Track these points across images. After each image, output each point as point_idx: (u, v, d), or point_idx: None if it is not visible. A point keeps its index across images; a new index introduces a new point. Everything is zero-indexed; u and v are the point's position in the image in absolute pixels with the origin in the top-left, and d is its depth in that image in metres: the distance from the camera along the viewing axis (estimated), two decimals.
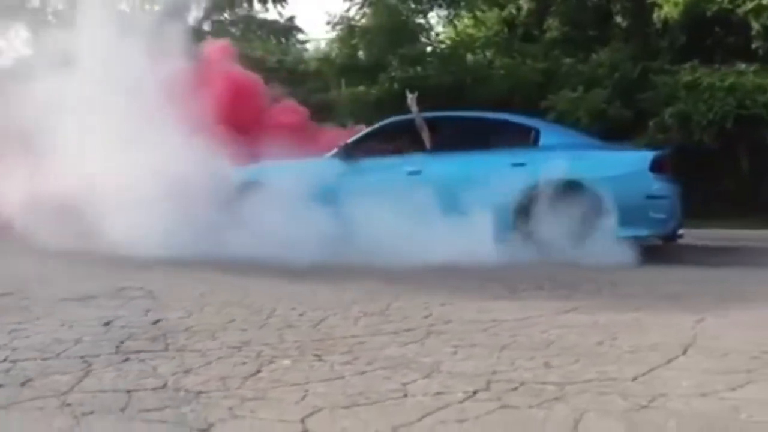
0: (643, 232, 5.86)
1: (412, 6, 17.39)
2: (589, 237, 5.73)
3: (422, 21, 17.33)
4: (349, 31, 16.99)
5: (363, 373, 2.29)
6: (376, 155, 6.78)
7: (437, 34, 17.66)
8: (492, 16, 19.33)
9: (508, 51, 16.61)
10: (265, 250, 5.41)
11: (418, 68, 15.73)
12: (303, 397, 2.03)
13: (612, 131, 13.79)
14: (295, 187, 6.26)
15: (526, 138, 6.36)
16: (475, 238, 5.75)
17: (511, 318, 3.26)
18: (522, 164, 6.11)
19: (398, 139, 6.90)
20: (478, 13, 19.33)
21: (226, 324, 3.10)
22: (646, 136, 13.19)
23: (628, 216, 5.77)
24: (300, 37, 19.89)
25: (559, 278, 4.74)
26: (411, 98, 6.90)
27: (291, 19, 17.85)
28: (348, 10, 16.67)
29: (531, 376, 2.23)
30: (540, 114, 14.03)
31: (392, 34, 16.06)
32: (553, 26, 18.12)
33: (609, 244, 5.67)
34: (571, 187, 5.84)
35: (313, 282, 4.49)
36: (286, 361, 2.43)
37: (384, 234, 5.67)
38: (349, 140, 6.93)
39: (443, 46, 16.62)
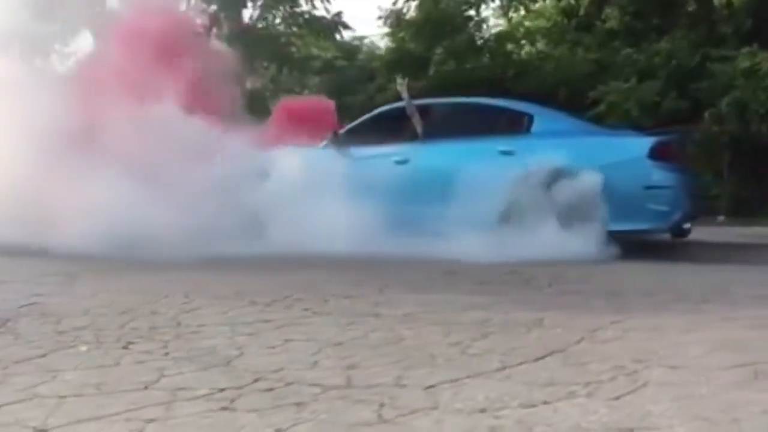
0: (641, 225, 5.33)
1: None
2: (581, 230, 5.26)
3: (471, 13, 16.77)
4: (396, 24, 16.75)
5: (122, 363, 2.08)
6: (370, 144, 6.52)
7: (486, 26, 17.07)
8: (550, 6, 18.65)
9: (560, 42, 15.89)
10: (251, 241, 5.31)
11: (467, 61, 15.30)
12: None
13: (666, 123, 13.00)
14: (287, 175, 6.13)
15: (518, 125, 5.93)
16: (459, 229, 5.40)
17: (394, 313, 2.93)
18: (510, 152, 5.70)
19: (393, 128, 6.60)
20: (536, 4, 18.72)
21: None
22: (701, 128, 12.30)
23: (623, 208, 5.26)
24: (351, 33, 19.80)
25: (519, 272, 4.33)
26: (401, 85, 6.60)
27: (338, 14, 17.76)
28: (395, 2, 16.40)
29: (313, 376, 1.94)
30: (588, 107, 13.48)
31: (438, 27, 15.69)
32: (611, 16, 17.24)
33: (602, 237, 5.19)
34: (561, 176, 5.38)
35: (258, 272, 4.31)
36: (84, 347, 2.24)
37: (365, 224, 5.43)
38: (344, 129, 6.71)
39: (488, 37, 15.98)
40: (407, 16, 16.59)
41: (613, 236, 5.21)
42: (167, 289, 3.52)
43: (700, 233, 7.38)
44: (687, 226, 5.82)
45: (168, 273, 4.17)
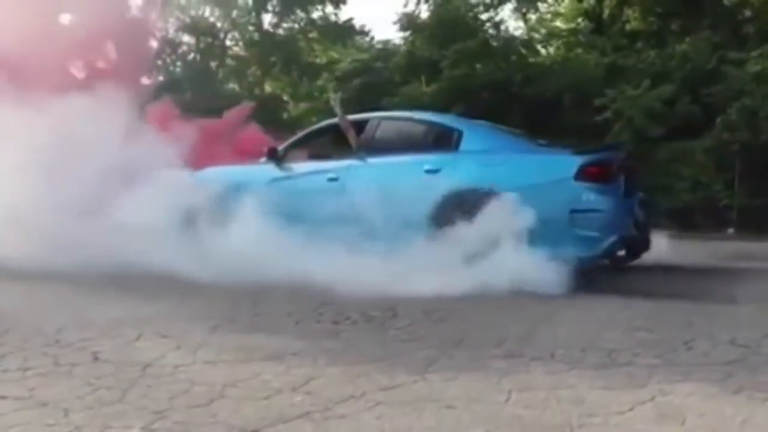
0: (567, 252, 4.91)
1: (475, 0, 16.52)
2: (504, 256, 4.89)
3: (484, 16, 16.35)
4: (408, 28, 16.48)
5: None
6: (309, 160, 6.31)
7: (498, 29, 16.54)
8: (571, 8, 18.03)
9: (575, 45, 15.31)
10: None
11: (476, 65, 14.90)
12: None
13: (677, 129, 12.34)
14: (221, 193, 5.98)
15: (448, 141, 5.58)
16: (381, 253, 5.10)
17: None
18: (436, 171, 5.37)
19: (331, 143, 6.36)
20: (550, 6, 18.19)
21: None
22: (712, 135, 11.60)
23: (548, 233, 4.86)
24: (361, 37, 19.61)
25: (393, 308, 3.98)
26: (334, 99, 6.35)
27: (349, 20, 17.60)
28: (406, 5, 16.14)
29: None
30: (595, 113, 12.91)
31: (449, 30, 15.34)
32: (632, 17, 16.51)
33: (525, 265, 4.81)
34: (482, 198, 5.02)
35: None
36: None
37: (282, 246, 5.20)
38: (284, 144, 6.50)
39: (500, 41, 15.49)
40: (419, 20, 16.30)
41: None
42: None
43: (678, 251, 6.89)
44: (621, 252, 5.34)
45: None
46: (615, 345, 3.05)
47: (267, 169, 6.28)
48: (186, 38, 19.37)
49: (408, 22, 16.21)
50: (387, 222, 5.31)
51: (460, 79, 14.42)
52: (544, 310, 3.98)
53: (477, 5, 16.91)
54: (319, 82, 20.31)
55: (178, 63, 19.36)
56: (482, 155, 5.28)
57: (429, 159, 5.46)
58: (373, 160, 5.77)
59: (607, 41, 15.27)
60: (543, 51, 16.05)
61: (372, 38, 19.60)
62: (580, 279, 4.67)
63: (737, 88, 11.19)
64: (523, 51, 15.30)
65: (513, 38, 15.81)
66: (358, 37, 19.52)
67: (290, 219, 5.40)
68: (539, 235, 4.83)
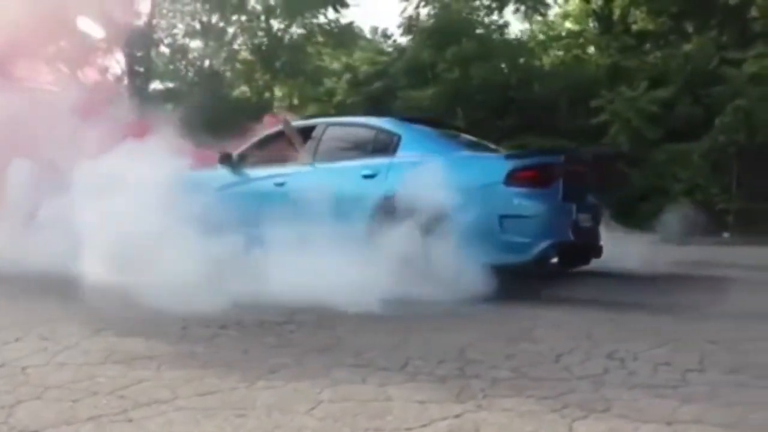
0: (496, 258, 4.81)
1: (477, 3, 16.40)
2: (431, 262, 4.82)
3: (488, 19, 16.20)
4: (408, 31, 16.45)
5: None
6: (262, 165, 6.32)
7: (502, 32, 16.39)
8: (579, 8, 17.77)
9: (576, 47, 15.08)
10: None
11: (472, 68, 14.78)
12: None
13: (677, 131, 12.07)
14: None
15: (387, 146, 5.53)
16: (316, 259, 5.08)
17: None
18: (372, 176, 5.33)
19: (282, 149, 6.35)
20: (565, 6, 17.94)
21: None
22: (710, 137, 11.29)
23: (477, 238, 4.78)
24: (382, 40, 19.57)
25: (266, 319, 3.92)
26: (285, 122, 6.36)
27: (350, 24, 17.63)
28: (404, 10, 16.10)
29: None
30: (591, 116, 12.68)
31: (447, 33, 15.26)
32: (639, 17, 16.21)
33: (450, 270, 4.74)
34: (412, 203, 4.95)
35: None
36: None
37: (218, 252, 5.18)
38: (238, 149, 6.51)
39: (497, 44, 15.32)
40: (419, 24, 16.26)
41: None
42: None
43: (654, 257, 6.66)
44: (554, 260, 5.20)
45: None
46: (481, 356, 2.95)
47: (220, 175, 6.31)
48: (194, 44, 19.65)
49: (409, 26, 16.18)
50: (326, 228, 5.28)
51: (456, 82, 14.33)
52: (440, 317, 3.91)
53: (479, 8, 16.81)
54: (330, 85, 20.41)
55: (189, 69, 19.64)
56: (416, 160, 5.21)
57: (367, 164, 5.42)
58: (317, 166, 5.76)
59: (612, 41, 15.01)
60: (544, 53, 15.74)
61: (394, 40, 19.47)
62: (510, 285, 4.57)
63: (736, 89, 10.87)
64: (521, 54, 15.07)
65: (511, 41, 15.60)
66: (371, 40, 19.55)
67: (240, 223, 5.37)
68: (469, 241, 4.75)
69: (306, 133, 6.11)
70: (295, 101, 21.32)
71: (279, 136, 6.40)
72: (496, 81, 13.83)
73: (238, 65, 19.98)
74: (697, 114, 11.92)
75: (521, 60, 15.07)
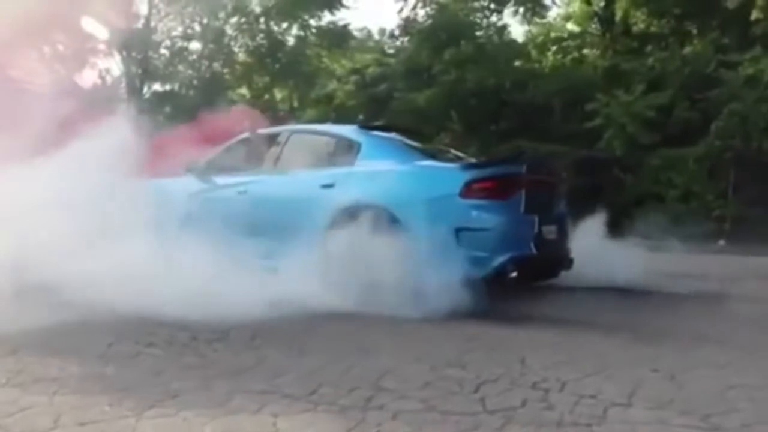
0: (453, 272, 4.65)
1: (476, 5, 16.22)
2: (390, 277, 4.68)
3: (480, 21, 16.01)
4: (405, 33, 16.31)
5: None
6: (229, 173, 6.19)
7: (501, 34, 16.16)
8: (580, 10, 17.53)
9: (575, 49, 14.86)
10: None
11: (468, 71, 14.60)
12: None
13: (673, 136, 11.83)
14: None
15: (347, 155, 5.39)
16: (271, 271, 4.97)
17: None
18: (330, 185, 5.19)
19: (247, 156, 6.22)
20: (566, 8, 17.71)
21: None
22: (706, 143, 11.05)
23: (433, 252, 4.63)
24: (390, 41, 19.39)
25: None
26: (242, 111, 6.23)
27: (346, 26, 17.50)
28: (400, 11, 15.95)
29: None
30: (584, 119, 12.45)
31: (444, 36, 15.09)
32: (640, 19, 15.95)
33: (412, 286, 4.60)
34: (367, 215, 4.81)
35: None
36: None
37: (178, 263, 5.07)
38: (206, 157, 6.40)
39: (495, 46, 15.11)
40: (416, 25, 16.10)
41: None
42: None
43: (635, 269, 6.45)
44: (513, 273, 5.00)
45: None
46: (396, 385, 2.80)
47: (188, 182, 6.20)
48: (193, 45, 19.59)
49: (405, 27, 16.03)
50: (283, 237, 5.18)
51: (452, 85, 14.15)
52: (377, 335, 3.77)
53: (478, 9, 16.63)
54: (331, 87, 20.31)
55: (189, 71, 19.58)
56: (373, 170, 5.07)
57: (326, 173, 5.28)
58: (278, 175, 5.64)
59: (611, 43, 14.78)
60: (542, 56, 15.52)
61: (402, 41, 19.22)
62: (467, 300, 4.41)
63: (732, 92, 10.62)
64: (518, 56, 14.87)
65: (508, 43, 15.38)
66: (378, 41, 19.43)
67: (206, 233, 5.23)
68: (425, 254, 4.60)
69: (271, 141, 5.99)
70: (295, 103, 21.24)
71: (246, 143, 6.27)
72: (491, 84, 13.63)
73: (237, 67, 19.89)
74: (695, 118, 11.68)
75: (518, 63, 14.83)
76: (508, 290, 5.19)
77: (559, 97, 12.98)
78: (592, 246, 6.72)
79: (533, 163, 5.30)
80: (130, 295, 4.25)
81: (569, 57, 14.70)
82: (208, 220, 5.50)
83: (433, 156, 5.39)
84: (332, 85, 20.39)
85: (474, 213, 4.65)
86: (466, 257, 4.62)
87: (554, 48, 15.37)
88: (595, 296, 5.47)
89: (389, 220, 4.75)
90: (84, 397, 2.62)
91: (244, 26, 19.62)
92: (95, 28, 17.03)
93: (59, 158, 5.54)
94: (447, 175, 4.83)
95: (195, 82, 19.17)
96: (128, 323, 3.86)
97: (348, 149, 5.39)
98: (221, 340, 3.62)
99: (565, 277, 5.63)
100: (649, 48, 15.24)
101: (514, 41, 15.81)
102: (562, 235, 5.44)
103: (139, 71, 18.06)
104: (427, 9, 15.69)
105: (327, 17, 17.69)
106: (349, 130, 5.59)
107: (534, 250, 4.85)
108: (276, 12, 18.39)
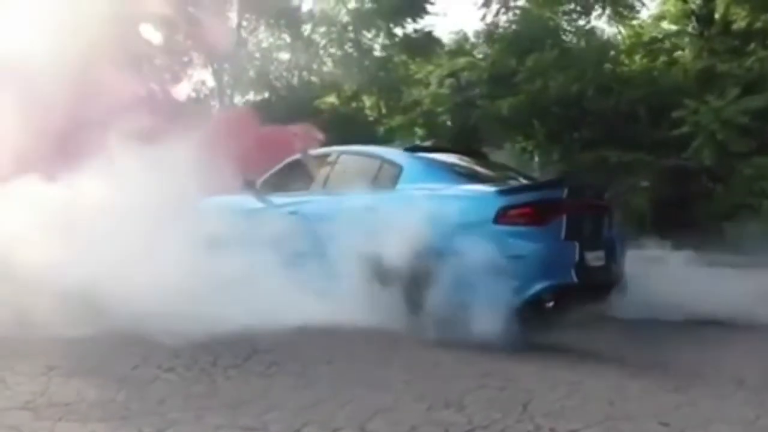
0: (486, 300, 4.57)
1: (563, 8, 15.72)
2: (421, 304, 4.71)
3: (567, 25, 15.51)
4: (489, 40, 16.07)
5: None
6: (283, 192, 6.35)
7: (590, 37, 15.54)
8: (675, 9, 16.62)
9: (663, 51, 14.10)
10: None
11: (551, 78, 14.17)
12: None
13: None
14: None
15: (389, 177, 5.39)
16: (315, 293, 5.09)
17: None
18: (373, 209, 5.22)
19: (300, 177, 6.35)
20: (662, 6, 16.84)
21: None
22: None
23: (467, 279, 4.57)
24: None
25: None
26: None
27: (428, 33, 17.40)
28: (483, 17, 15.70)
29: None
30: (672, 126, 11.78)
31: (526, 42, 14.73)
32: (741, 16, 14.89)
33: (446, 314, 4.61)
34: (406, 240, 4.81)
35: None
36: None
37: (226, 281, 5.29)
38: (263, 176, 6.60)
39: (579, 51, 14.54)
40: (498, 31, 15.82)
41: None
42: None
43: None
44: (550, 303, 4.79)
45: None
46: (384, 427, 2.82)
47: (244, 201, 6.40)
48: (282, 55, 20.17)
49: (488, 33, 15.79)
50: (330, 259, 5.28)
51: (534, 93, 13.80)
52: (392, 368, 3.77)
53: (566, 13, 16.11)
54: (420, 94, 20.32)
55: (278, 80, 20.20)
56: (411, 194, 5.06)
57: (369, 197, 5.31)
58: (325, 195, 5.74)
59: (706, 43, 13.91)
60: (629, 59, 14.82)
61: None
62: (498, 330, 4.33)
63: None
64: (605, 61, 14.26)
65: (595, 47, 14.75)
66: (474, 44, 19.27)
67: (258, 252, 5.41)
68: (459, 282, 4.57)
69: (321, 161, 6.10)
70: (383, 110, 21.40)
71: (299, 163, 6.41)
72: (574, 91, 13.15)
73: (326, 76, 20.30)
74: None
75: (606, 66, 14.23)
76: (551, 319, 5.02)
77: (645, 103, 12.36)
78: (668, 269, 6.38)
79: (578, 187, 5.11)
80: (171, 311, 4.45)
81: (659, 60, 13.93)
82: (261, 239, 5.65)
83: (480, 178, 5.27)
84: (420, 91, 20.39)
85: (508, 240, 4.54)
86: (499, 285, 4.52)
87: (643, 51, 14.60)
88: (646, 328, 5.19)
89: (425, 245, 4.71)
90: (84, 424, 2.78)
91: (333, 35, 20.00)
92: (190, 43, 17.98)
93: (129, 174, 5.87)
94: (482, 200, 4.73)
95: (284, 92, 19.74)
96: (161, 342, 4.01)
97: (391, 172, 5.40)
98: (238, 367, 3.73)
99: (628, 305, 5.33)
100: (751, 46, 14.24)
101: (601, 44, 15.18)
102: (612, 260, 5.19)
103: (231, 82, 18.81)
104: (509, 14, 15.36)
105: (413, 25, 17.60)
106: (393, 153, 5.61)
107: (575, 279, 4.67)
108: (362, 21, 18.60)
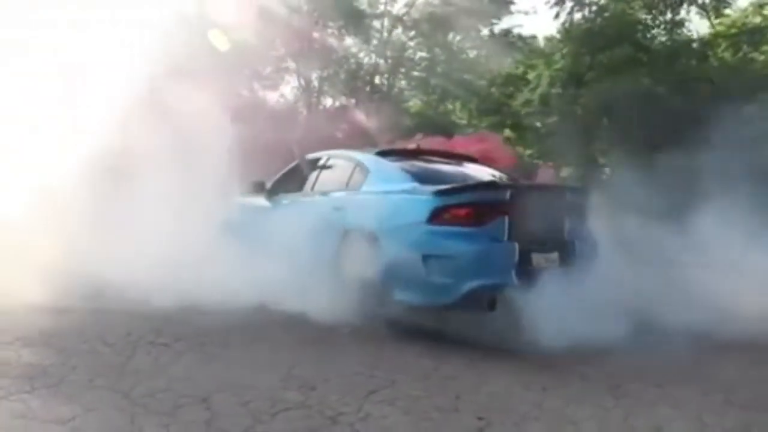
0: (418, 299, 4.85)
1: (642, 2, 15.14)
2: (375, 299, 5.06)
3: (649, 19, 14.88)
4: (564, 38, 15.80)
5: None
6: (286, 193, 6.84)
7: (676, 31, 14.84)
8: None
9: (746, 44, 13.22)
10: None
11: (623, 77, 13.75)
12: None
13: None
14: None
15: (359, 179, 5.72)
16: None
17: None
18: (340, 209, 5.61)
19: (299, 178, 6.80)
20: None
21: None
22: None
23: (402, 278, 4.88)
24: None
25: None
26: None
27: (507, 32, 17.27)
28: (557, 16, 15.45)
29: None
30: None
31: (600, 40, 14.38)
32: None
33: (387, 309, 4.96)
34: (362, 238, 5.20)
35: None
36: None
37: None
38: (273, 178, 7.13)
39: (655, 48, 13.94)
40: (572, 29, 15.50)
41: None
42: None
43: None
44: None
45: None
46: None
47: (257, 202, 6.95)
48: (368, 59, 20.78)
49: (564, 32, 15.53)
50: (303, 251, 5.66)
51: (604, 92, 13.45)
52: (310, 349, 4.16)
53: (653, 6, 15.47)
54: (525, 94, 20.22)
55: (364, 85, 20.83)
56: (368, 196, 5.39)
57: (339, 197, 5.71)
58: (309, 196, 6.18)
59: None
60: (712, 53, 13.98)
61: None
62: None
63: None
64: (688, 55, 13.59)
65: (682, 43, 14.07)
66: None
67: (258, 246, 5.90)
68: (395, 280, 4.88)
69: (313, 164, 6.54)
70: (473, 112, 21.49)
71: (298, 166, 6.88)
72: (643, 89, 12.67)
73: (413, 81, 20.71)
74: None
75: (689, 62, 13.57)
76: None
77: (718, 102, 11.66)
78: None
79: (533, 189, 5.20)
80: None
81: (741, 54, 13.05)
82: (263, 235, 6.18)
83: (441, 180, 5.43)
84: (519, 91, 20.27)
85: (440, 240, 4.75)
86: (431, 283, 4.75)
87: (725, 44, 13.74)
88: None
89: (375, 243, 5.04)
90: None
91: (421, 39, 20.37)
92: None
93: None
94: (419, 201, 4.95)
95: (373, 96, 20.35)
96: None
97: (360, 174, 5.74)
98: (210, 343, 4.26)
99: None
100: None
101: (687, 39, 14.48)
102: (569, 262, 5.18)
103: (317, 87, 19.68)
104: (585, 11, 15.00)
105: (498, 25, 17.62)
106: (365, 157, 5.93)
107: (514, 280, 4.75)
108: (448, 24, 18.84)
